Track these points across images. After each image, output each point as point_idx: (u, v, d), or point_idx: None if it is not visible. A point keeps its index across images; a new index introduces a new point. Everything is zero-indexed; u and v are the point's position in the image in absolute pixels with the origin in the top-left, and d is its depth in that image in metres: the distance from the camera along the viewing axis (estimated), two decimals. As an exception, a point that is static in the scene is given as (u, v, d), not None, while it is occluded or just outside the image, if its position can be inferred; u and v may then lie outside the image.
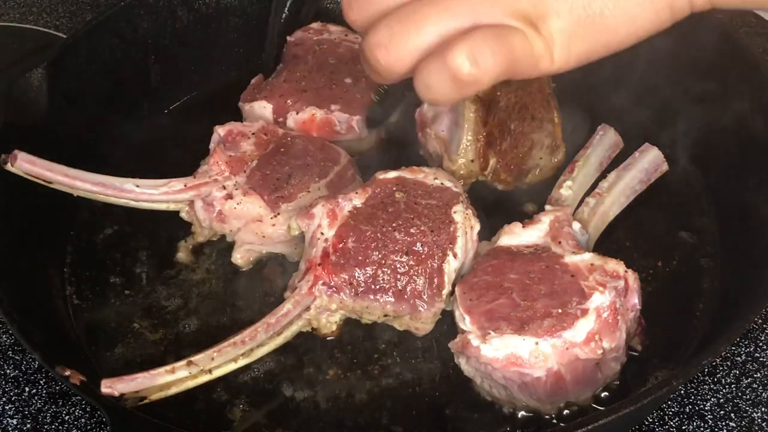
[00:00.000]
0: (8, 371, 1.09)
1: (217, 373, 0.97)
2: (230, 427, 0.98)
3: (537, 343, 0.90)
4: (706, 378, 1.03)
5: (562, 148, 1.17)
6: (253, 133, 1.15)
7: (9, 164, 1.03)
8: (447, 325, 1.00)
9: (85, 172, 1.08)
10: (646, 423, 1.00)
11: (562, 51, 0.74)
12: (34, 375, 1.08)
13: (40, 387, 1.07)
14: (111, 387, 0.92)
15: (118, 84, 1.28)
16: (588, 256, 0.97)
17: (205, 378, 0.96)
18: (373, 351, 1.03)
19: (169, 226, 1.15)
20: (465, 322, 0.94)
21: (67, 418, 1.04)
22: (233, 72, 1.38)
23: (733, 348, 1.06)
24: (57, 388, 1.07)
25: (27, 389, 1.07)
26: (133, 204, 1.10)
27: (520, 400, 0.94)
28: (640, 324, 0.98)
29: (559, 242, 0.99)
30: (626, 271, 0.95)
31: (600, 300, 0.92)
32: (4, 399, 1.06)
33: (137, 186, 1.09)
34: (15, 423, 1.04)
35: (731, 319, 0.92)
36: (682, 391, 1.02)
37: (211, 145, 1.14)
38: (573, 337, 0.90)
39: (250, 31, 1.38)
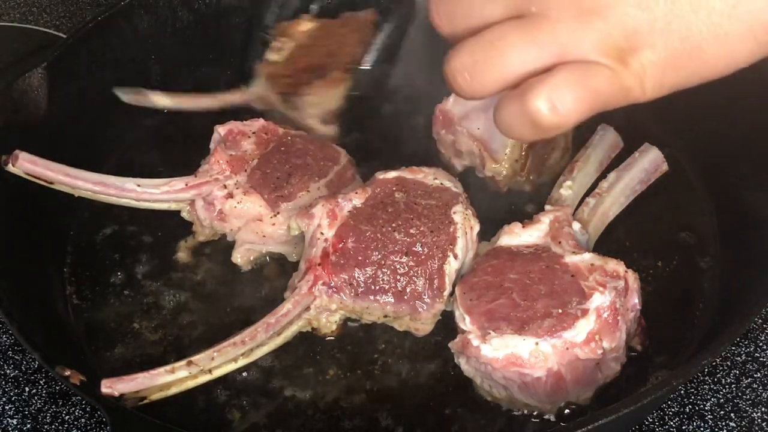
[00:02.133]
0: (8, 371, 1.09)
1: (217, 373, 0.97)
2: (230, 427, 0.98)
3: (537, 343, 0.90)
4: (706, 378, 1.03)
5: (570, 151, 1.16)
6: (253, 132, 1.15)
7: (10, 164, 1.03)
8: (447, 325, 1.00)
9: (86, 171, 1.08)
10: (646, 423, 1.00)
11: (654, 82, 0.71)
12: (34, 375, 1.08)
13: (40, 387, 1.07)
14: (111, 387, 0.92)
15: (118, 84, 1.28)
16: (588, 256, 0.97)
17: (205, 378, 0.96)
18: (373, 351, 1.03)
19: (170, 226, 1.15)
20: (465, 322, 0.94)
21: (67, 418, 1.04)
22: (233, 72, 1.38)
23: (733, 348, 1.06)
24: (57, 388, 1.07)
25: (27, 389, 1.07)
26: (134, 204, 1.10)
27: (520, 400, 0.94)
28: (640, 324, 0.98)
29: (559, 242, 0.99)
30: (626, 271, 0.95)
31: (600, 300, 0.92)
32: (4, 399, 1.06)
33: (138, 185, 1.09)
34: (15, 423, 1.04)
35: (731, 319, 0.92)
36: (682, 391, 1.02)
37: (212, 145, 1.15)
38: (573, 337, 0.90)
39: (251, 32, 1.38)
